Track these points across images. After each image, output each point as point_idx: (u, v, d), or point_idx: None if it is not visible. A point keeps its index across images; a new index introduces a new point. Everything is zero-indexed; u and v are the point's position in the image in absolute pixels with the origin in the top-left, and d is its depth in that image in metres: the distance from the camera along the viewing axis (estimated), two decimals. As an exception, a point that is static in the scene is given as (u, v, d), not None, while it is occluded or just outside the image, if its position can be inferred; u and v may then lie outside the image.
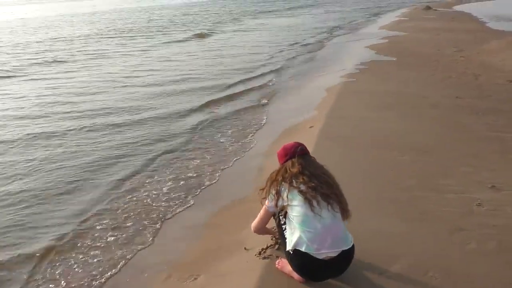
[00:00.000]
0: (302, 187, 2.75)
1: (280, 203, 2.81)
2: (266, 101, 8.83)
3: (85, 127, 7.35)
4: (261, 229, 3.11)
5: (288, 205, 2.77)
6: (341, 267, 2.75)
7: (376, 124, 6.23)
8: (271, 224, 3.09)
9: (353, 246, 2.75)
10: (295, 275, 2.82)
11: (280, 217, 2.89)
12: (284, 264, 2.94)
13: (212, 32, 22.80)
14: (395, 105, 7.19)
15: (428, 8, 29.18)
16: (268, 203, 2.90)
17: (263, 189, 2.97)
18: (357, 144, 5.44)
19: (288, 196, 2.77)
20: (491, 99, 7.42)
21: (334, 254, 2.66)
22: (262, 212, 3.01)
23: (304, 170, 2.83)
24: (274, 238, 3.25)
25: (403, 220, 3.65)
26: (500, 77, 9.03)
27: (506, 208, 3.79)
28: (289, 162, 2.91)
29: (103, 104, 8.89)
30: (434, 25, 19.56)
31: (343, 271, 2.77)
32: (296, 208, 2.72)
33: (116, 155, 6.05)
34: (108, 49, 17.61)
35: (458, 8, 30.97)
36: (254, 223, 3.09)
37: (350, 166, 4.70)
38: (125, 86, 10.65)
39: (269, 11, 37.98)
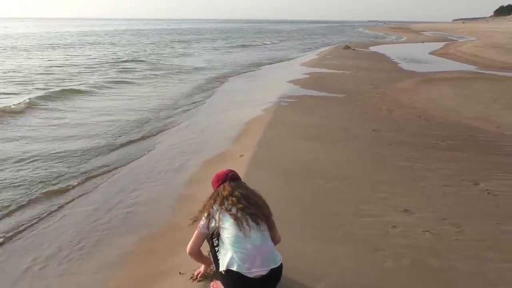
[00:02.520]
0: (233, 209, 2.95)
1: (212, 224, 2.98)
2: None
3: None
4: (196, 252, 3.19)
5: (220, 226, 2.94)
6: (270, 285, 2.92)
7: (302, 154, 6.60)
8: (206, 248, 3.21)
9: (281, 264, 2.95)
10: (229, 296, 2.94)
11: (214, 239, 3.03)
12: (218, 286, 3.05)
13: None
14: (320, 136, 7.67)
15: (347, 47, 31.36)
16: (201, 224, 3.05)
17: (194, 220, 3.15)
18: (285, 172, 5.74)
19: (220, 216, 2.95)
20: (403, 133, 8.17)
21: (264, 273, 2.84)
22: (195, 233, 3.13)
23: (234, 192, 3.05)
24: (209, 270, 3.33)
25: (328, 242, 3.92)
26: (410, 113, 9.96)
27: (417, 229, 4.21)
28: (221, 186, 3.13)
29: None
30: (353, 63, 21.06)
31: None
32: (227, 230, 2.89)
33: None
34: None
35: (373, 48, 33.61)
36: (189, 245, 3.18)
37: (279, 192, 4.95)
38: None
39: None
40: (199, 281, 3.17)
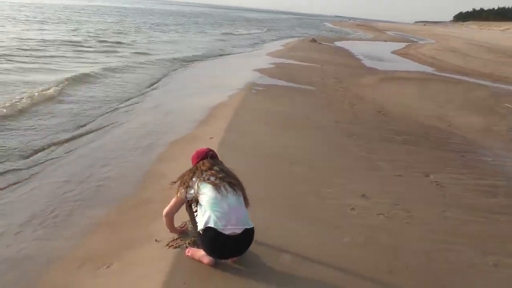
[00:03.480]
0: (212, 178, 3.23)
1: (191, 191, 3.24)
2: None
3: None
4: (171, 217, 3.45)
5: (199, 193, 3.20)
6: (243, 245, 3.21)
7: (268, 139, 6.91)
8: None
9: (253, 228, 3.23)
10: (205, 259, 3.20)
11: (192, 205, 3.29)
12: (193, 252, 3.30)
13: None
14: (285, 124, 8.00)
15: (314, 40, 31.95)
16: (180, 191, 3.30)
17: (174, 182, 3.38)
18: (253, 155, 6.02)
19: (199, 185, 3.22)
20: (363, 126, 8.64)
21: (238, 231, 3.12)
22: (174, 199, 3.38)
23: (213, 167, 3.33)
24: (177, 237, 3.58)
25: (291, 219, 4.24)
26: (370, 107, 10.48)
27: (373, 212, 4.62)
28: (201, 162, 3.40)
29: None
30: (319, 57, 21.54)
31: (244, 249, 3.23)
32: (206, 194, 3.17)
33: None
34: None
35: (338, 43, 34.39)
36: (166, 208, 3.43)
37: (248, 171, 5.14)
38: None
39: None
40: (175, 247, 3.40)
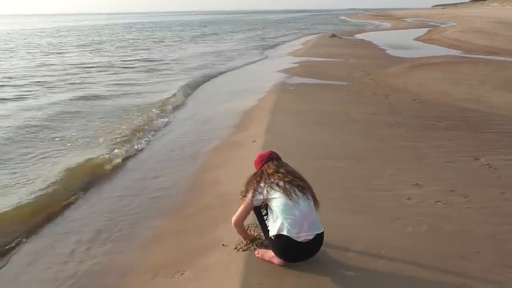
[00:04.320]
0: (280, 182, 3.24)
1: (260, 197, 3.26)
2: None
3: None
4: (241, 223, 3.47)
5: (268, 198, 3.22)
6: (315, 249, 3.24)
7: (309, 138, 6.94)
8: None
9: (323, 231, 3.27)
10: (275, 260, 3.25)
11: (262, 209, 3.32)
12: (263, 253, 3.36)
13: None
14: (322, 121, 8.01)
15: (334, 35, 31.73)
16: (248, 197, 3.31)
17: (243, 191, 3.41)
18: (297, 155, 6.01)
19: (268, 190, 3.23)
20: (401, 115, 8.55)
21: (310, 237, 3.15)
22: (242, 206, 3.39)
23: (279, 169, 3.34)
24: (248, 241, 3.61)
25: (349, 214, 4.27)
26: (405, 96, 10.36)
27: (429, 200, 4.59)
28: (266, 165, 3.41)
29: None
30: (341, 51, 21.41)
31: (316, 252, 3.27)
32: (276, 200, 3.18)
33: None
34: None
35: (359, 36, 34.04)
36: (235, 216, 3.43)
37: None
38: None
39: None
40: (244, 250, 3.47)
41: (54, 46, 29.53)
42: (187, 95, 12.48)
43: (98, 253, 4.01)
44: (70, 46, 29.96)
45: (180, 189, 5.39)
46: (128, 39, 37.39)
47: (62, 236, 4.41)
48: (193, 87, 13.86)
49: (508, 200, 4.66)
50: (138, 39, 37.38)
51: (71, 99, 11.38)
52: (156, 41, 34.19)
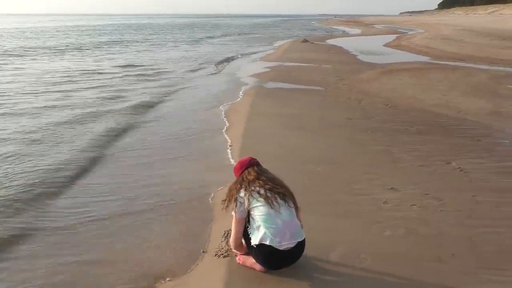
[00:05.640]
0: (261, 190, 3.21)
1: (241, 208, 3.22)
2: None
3: None
4: (240, 243, 3.35)
5: (250, 207, 3.20)
6: (296, 256, 3.25)
7: (287, 142, 6.98)
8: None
9: (304, 238, 3.27)
10: (257, 267, 3.24)
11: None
12: (244, 259, 3.34)
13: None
14: (299, 125, 8.08)
15: (306, 41, 32.07)
16: (236, 210, 3.25)
17: (224, 200, 3.37)
18: (276, 159, 6.02)
19: (249, 199, 3.20)
20: (374, 120, 8.70)
21: (292, 245, 3.15)
22: (234, 221, 3.30)
23: (259, 176, 3.32)
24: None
25: (330, 218, 4.31)
26: (377, 101, 10.56)
27: (405, 203, 4.68)
28: (246, 171, 3.38)
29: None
30: (314, 56, 21.64)
31: (297, 259, 3.27)
32: (258, 208, 3.16)
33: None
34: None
35: (330, 41, 34.53)
36: (232, 239, 3.35)
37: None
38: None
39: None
40: (225, 256, 3.44)
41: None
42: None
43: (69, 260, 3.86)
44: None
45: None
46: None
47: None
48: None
49: (480, 203, 4.80)
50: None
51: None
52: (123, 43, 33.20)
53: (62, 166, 6.13)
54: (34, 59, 21.33)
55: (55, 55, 23.55)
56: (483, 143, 7.21)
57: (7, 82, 13.96)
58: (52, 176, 5.74)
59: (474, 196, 4.98)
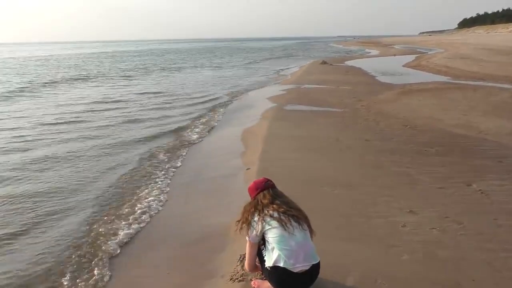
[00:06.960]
0: (275, 214, 3.23)
1: (253, 233, 3.26)
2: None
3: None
4: (254, 265, 3.42)
5: (264, 230, 3.22)
6: (311, 279, 3.23)
7: (303, 164, 6.98)
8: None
9: (319, 261, 3.26)
10: (272, 290, 3.23)
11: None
12: (259, 283, 3.34)
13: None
14: (316, 147, 8.07)
15: (324, 62, 32.25)
16: (250, 235, 3.29)
17: (239, 220, 3.39)
18: (292, 181, 6.06)
19: (262, 223, 3.23)
20: (393, 141, 8.65)
21: (306, 268, 3.14)
22: (248, 246, 3.35)
23: (274, 200, 3.34)
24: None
25: (346, 241, 4.27)
26: (396, 122, 10.49)
27: (424, 227, 4.61)
28: (261, 194, 3.41)
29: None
30: (333, 78, 21.72)
31: (312, 282, 3.25)
32: (272, 231, 3.18)
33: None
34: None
35: (349, 63, 34.62)
36: (246, 263, 3.42)
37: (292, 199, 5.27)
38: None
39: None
40: (239, 281, 3.45)
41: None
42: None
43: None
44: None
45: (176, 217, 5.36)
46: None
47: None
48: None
49: (501, 226, 4.70)
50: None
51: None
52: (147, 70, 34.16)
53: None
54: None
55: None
56: (505, 164, 7.07)
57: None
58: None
59: (496, 219, 4.87)
